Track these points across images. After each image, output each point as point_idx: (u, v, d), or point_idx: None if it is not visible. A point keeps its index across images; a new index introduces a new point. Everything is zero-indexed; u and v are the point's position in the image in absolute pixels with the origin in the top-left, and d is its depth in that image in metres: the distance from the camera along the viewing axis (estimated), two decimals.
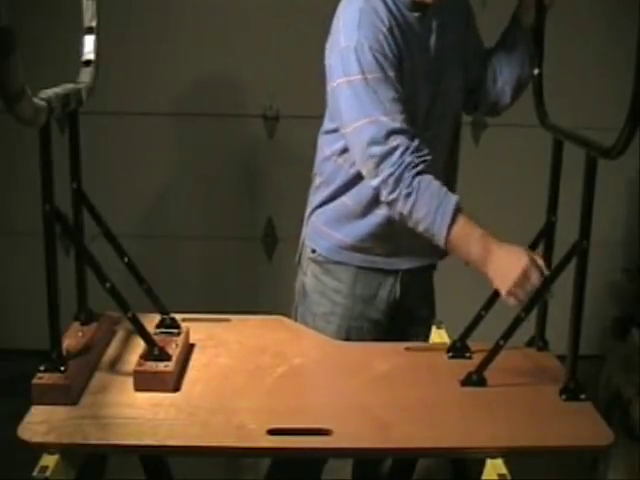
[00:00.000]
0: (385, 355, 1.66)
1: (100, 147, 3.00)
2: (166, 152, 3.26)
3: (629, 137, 1.24)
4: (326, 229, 1.85)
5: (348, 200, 1.80)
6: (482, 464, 1.35)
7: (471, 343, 1.66)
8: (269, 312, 1.88)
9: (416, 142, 1.56)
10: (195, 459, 2.03)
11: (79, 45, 1.59)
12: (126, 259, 1.62)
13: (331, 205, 1.84)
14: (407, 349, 1.70)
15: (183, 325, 1.66)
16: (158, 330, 1.63)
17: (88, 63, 1.59)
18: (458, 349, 1.66)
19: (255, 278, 3.36)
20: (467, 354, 1.65)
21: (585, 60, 3.11)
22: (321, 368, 1.63)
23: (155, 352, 1.50)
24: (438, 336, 1.86)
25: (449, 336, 1.83)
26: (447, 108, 1.78)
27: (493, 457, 1.34)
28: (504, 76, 1.82)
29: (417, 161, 1.55)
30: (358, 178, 1.72)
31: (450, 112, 1.81)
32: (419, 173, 1.55)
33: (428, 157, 1.57)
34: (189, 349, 1.64)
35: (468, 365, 1.58)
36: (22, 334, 3.19)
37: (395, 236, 1.78)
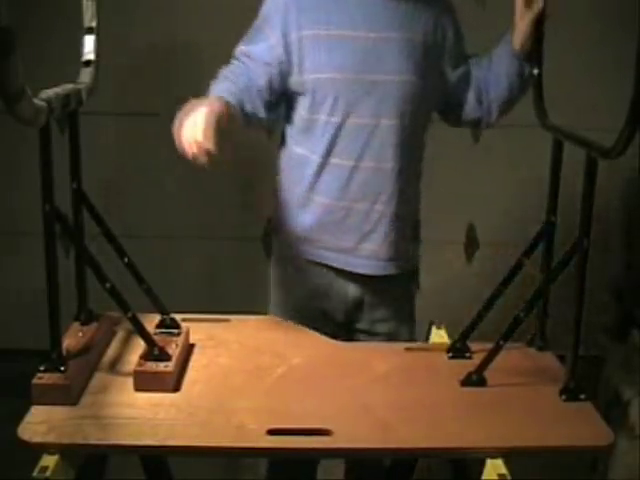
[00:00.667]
0: (385, 355, 1.66)
1: (100, 147, 3.00)
2: (166, 152, 3.24)
3: (629, 137, 1.24)
4: (279, 220, 1.90)
5: (290, 185, 1.86)
6: (482, 464, 1.35)
7: (471, 343, 1.66)
8: (268, 312, 1.88)
9: (241, 66, 1.87)
10: (195, 459, 2.03)
11: (79, 45, 1.60)
12: (126, 259, 1.62)
13: (281, 193, 1.89)
14: (407, 349, 1.70)
15: (183, 325, 1.66)
16: (158, 330, 1.63)
17: (88, 63, 1.59)
18: (458, 349, 1.66)
19: (255, 278, 3.34)
20: (467, 354, 1.65)
21: (585, 60, 3.10)
22: (321, 368, 1.63)
23: (155, 352, 1.50)
24: (438, 336, 1.86)
25: (449, 336, 1.83)
26: (396, 97, 1.73)
27: (493, 457, 1.34)
28: (490, 96, 1.80)
29: (232, 67, 1.88)
30: (294, 160, 1.83)
31: (402, 103, 1.74)
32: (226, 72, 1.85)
33: (238, 71, 1.87)
34: (189, 349, 1.64)
35: (468, 365, 1.58)
36: (22, 334, 3.19)
37: (340, 229, 1.80)
